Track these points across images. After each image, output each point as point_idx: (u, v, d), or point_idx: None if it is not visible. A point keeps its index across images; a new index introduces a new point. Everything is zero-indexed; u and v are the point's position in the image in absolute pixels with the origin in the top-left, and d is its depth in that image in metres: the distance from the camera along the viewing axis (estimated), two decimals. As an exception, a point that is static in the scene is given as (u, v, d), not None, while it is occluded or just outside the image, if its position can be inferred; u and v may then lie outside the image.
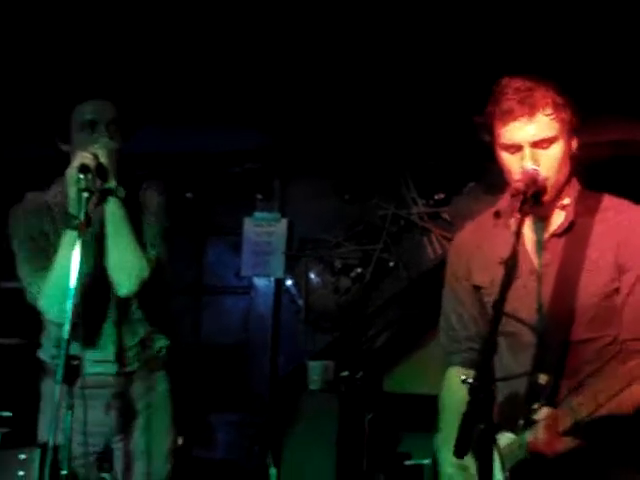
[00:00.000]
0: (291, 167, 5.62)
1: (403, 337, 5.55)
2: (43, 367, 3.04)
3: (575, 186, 2.38)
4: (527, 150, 2.26)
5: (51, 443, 2.46)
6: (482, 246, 2.45)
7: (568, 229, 2.33)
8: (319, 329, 5.52)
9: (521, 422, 2.25)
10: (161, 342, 3.06)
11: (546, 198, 2.27)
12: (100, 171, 2.72)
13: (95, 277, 2.87)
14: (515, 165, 2.28)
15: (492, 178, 2.43)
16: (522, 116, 2.24)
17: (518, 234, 2.11)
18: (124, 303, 2.95)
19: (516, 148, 2.27)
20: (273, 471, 4.69)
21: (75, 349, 2.53)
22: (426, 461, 4.69)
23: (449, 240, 5.19)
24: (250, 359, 5.66)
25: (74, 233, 2.58)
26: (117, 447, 3.00)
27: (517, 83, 2.27)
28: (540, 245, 2.36)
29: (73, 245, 2.56)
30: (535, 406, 2.23)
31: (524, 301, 2.31)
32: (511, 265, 2.06)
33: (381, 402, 5.37)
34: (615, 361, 2.23)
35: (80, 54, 4.11)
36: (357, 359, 5.42)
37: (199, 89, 4.69)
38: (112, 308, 2.94)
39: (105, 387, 2.95)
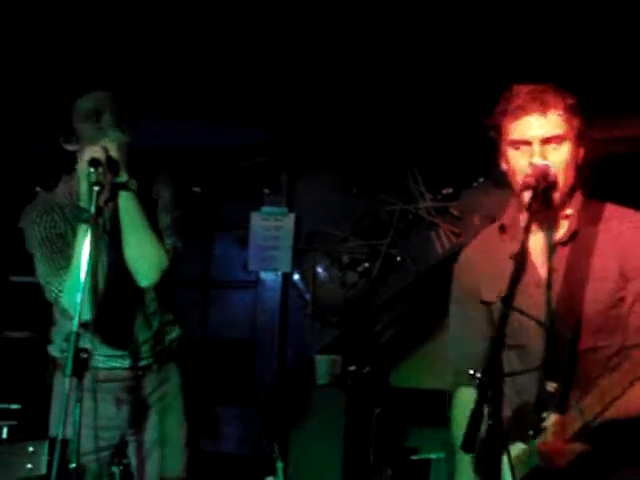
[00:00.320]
0: (298, 161, 5.62)
1: (410, 332, 5.55)
2: (54, 363, 3.04)
3: (578, 197, 2.38)
4: (536, 147, 2.26)
5: (60, 436, 2.45)
6: (489, 262, 2.44)
7: (571, 238, 2.33)
8: (326, 323, 5.52)
9: (531, 432, 2.24)
10: (174, 333, 3.08)
11: (556, 197, 2.27)
12: (111, 164, 2.72)
13: (113, 272, 2.87)
14: (522, 163, 2.28)
15: (501, 173, 2.42)
16: (534, 112, 2.25)
17: (527, 230, 2.11)
18: (139, 297, 2.96)
19: (525, 144, 2.27)
20: (280, 465, 4.69)
21: (85, 342, 2.52)
22: (433, 455, 4.71)
23: (457, 235, 5.20)
24: (257, 353, 5.66)
25: (86, 227, 2.59)
26: (131, 440, 3.01)
27: (530, 86, 2.30)
28: (548, 253, 2.34)
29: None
30: (544, 414, 2.23)
31: (531, 311, 2.29)
32: (520, 260, 2.07)
33: (388, 396, 5.38)
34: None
35: (86, 48, 4.13)
36: (364, 353, 5.42)
37: (207, 84, 4.69)
38: (128, 303, 2.95)
39: (118, 381, 2.96)
